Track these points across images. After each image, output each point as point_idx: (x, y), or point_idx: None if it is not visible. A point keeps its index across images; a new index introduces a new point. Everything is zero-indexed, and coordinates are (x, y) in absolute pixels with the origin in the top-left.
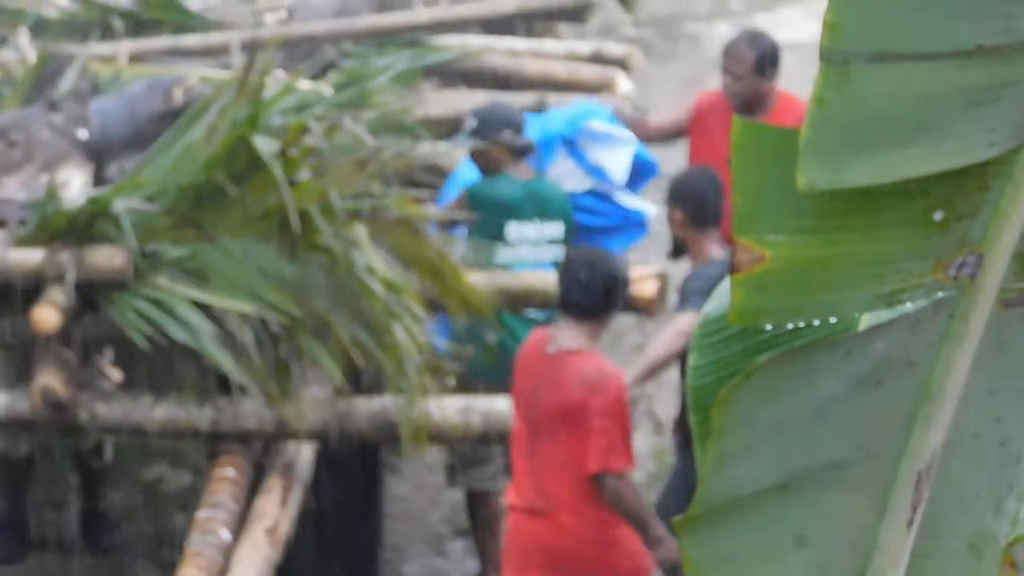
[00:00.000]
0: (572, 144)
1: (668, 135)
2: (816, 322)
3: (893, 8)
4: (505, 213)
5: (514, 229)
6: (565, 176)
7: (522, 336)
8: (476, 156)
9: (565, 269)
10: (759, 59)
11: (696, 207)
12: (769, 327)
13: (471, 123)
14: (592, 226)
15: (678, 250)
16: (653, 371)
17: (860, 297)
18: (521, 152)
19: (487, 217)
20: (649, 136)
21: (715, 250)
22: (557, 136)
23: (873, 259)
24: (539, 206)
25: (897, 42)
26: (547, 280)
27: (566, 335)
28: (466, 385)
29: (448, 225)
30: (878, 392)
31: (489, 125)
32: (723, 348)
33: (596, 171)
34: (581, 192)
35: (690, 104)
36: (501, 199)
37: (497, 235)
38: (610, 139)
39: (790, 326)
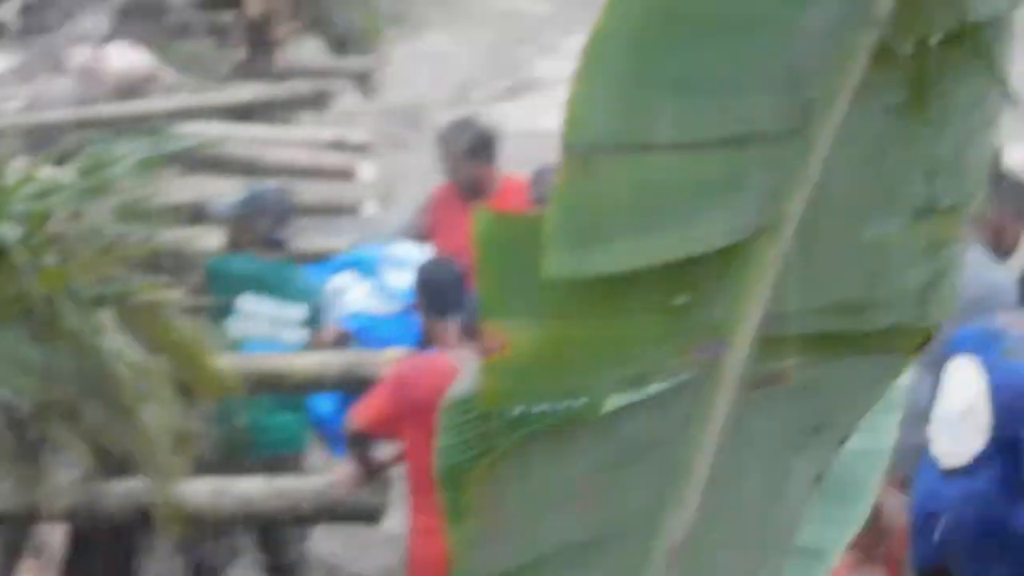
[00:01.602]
0: (367, 264)
1: (412, 238)
2: (564, 404)
3: (633, 99)
4: (237, 287)
5: (247, 303)
6: (347, 290)
7: (269, 421)
8: (231, 239)
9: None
10: (471, 145)
11: (434, 297)
12: (518, 409)
13: (226, 205)
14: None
15: (424, 341)
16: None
17: (606, 379)
18: (272, 245)
19: (221, 292)
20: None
21: (455, 341)
22: (350, 259)
23: (619, 343)
24: (279, 285)
25: (638, 133)
26: (296, 363)
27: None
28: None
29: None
30: (628, 471)
31: (251, 208)
32: (472, 428)
33: (390, 291)
34: (382, 315)
35: (425, 203)
36: (234, 273)
37: (228, 310)
38: (407, 262)
39: (539, 408)
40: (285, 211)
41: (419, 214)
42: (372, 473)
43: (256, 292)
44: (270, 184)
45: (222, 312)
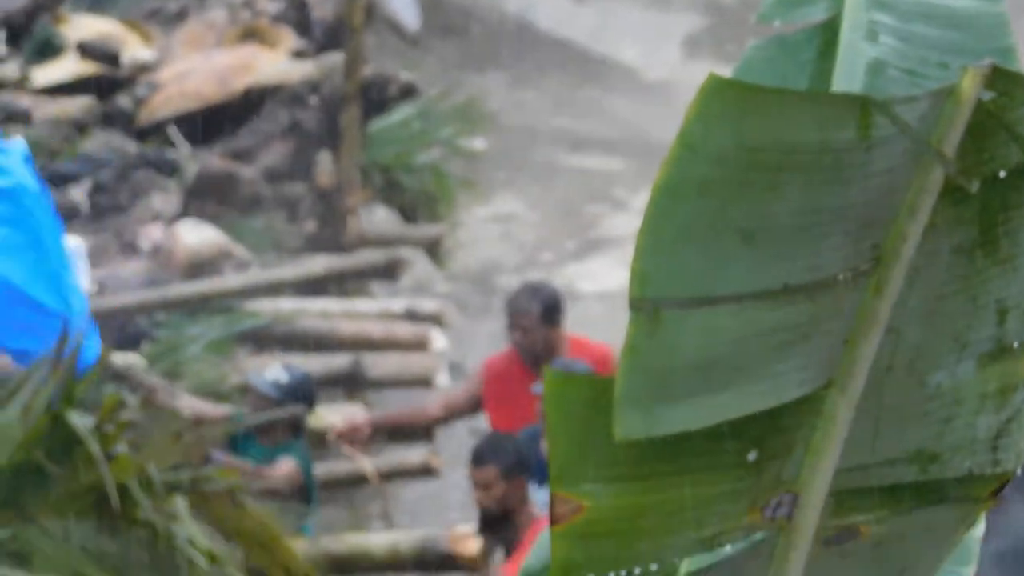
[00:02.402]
0: None
1: (464, 411)
2: (637, 570)
3: (699, 253)
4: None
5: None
6: None
7: None
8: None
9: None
10: (544, 310)
11: (512, 459)
12: None
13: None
14: None
15: (490, 520)
16: None
17: (681, 542)
18: (298, 432)
19: (309, 482)
20: (438, 417)
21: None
22: None
23: (690, 504)
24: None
25: (705, 286)
26: (369, 542)
27: None
28: None
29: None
30: None
31: (295, 389)
32: None
33: None
34: None
35: (478, 374)
36: (310, 465)
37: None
38: None
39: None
40: (313, 398)
41: (471, 386)
42: None
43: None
44: (299, 369)
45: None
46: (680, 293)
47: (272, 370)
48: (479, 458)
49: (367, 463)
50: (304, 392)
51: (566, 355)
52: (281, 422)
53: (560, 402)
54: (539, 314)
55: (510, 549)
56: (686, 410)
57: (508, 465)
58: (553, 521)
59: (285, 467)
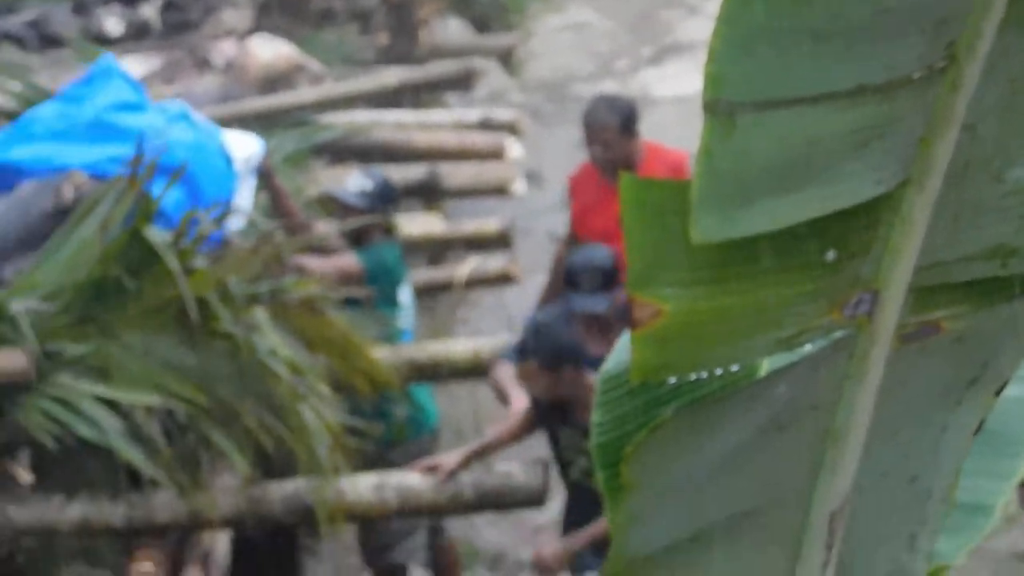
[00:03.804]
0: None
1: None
2: (718, 371)
3: (773, 55)
4: (396, 279)
5: (403, 294)
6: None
7: (430, 407)
8: (355, 230)
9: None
10: (623, 122)
11: (580, 352)
12: (671, 380)
13: (364, 184)
14: None
15: (544, 410)
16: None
17: (759, 344)
18: (392, 228)
19: (386, 285)
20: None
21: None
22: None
23: (769, 305)
24: (404, 270)
25: (779, 88)
26: (452, 349)
27: None
28: (378, 461)
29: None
30: (783, 437)
31: (382, 195)
32: (625, 403)
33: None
34: None
35: (568, 190)
36: (392, 267)
37: (394, 303)
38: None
39: (692, 377)
40: (400, 198)
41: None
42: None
43: (403, 283)
44: (379, 173)
45: (389, 305)
46: (754, 95)
47: (354, 179)
48: (520, 352)
49: (458, 272)
50: (389, 195)
51: (644, 163)
52: (371, 227)
53: (637, 208)
54: (617, 126)
55: (551, 433)
56: (763, 212)
57: (548, 357)
58: (633, 325)
59: (341, 260)
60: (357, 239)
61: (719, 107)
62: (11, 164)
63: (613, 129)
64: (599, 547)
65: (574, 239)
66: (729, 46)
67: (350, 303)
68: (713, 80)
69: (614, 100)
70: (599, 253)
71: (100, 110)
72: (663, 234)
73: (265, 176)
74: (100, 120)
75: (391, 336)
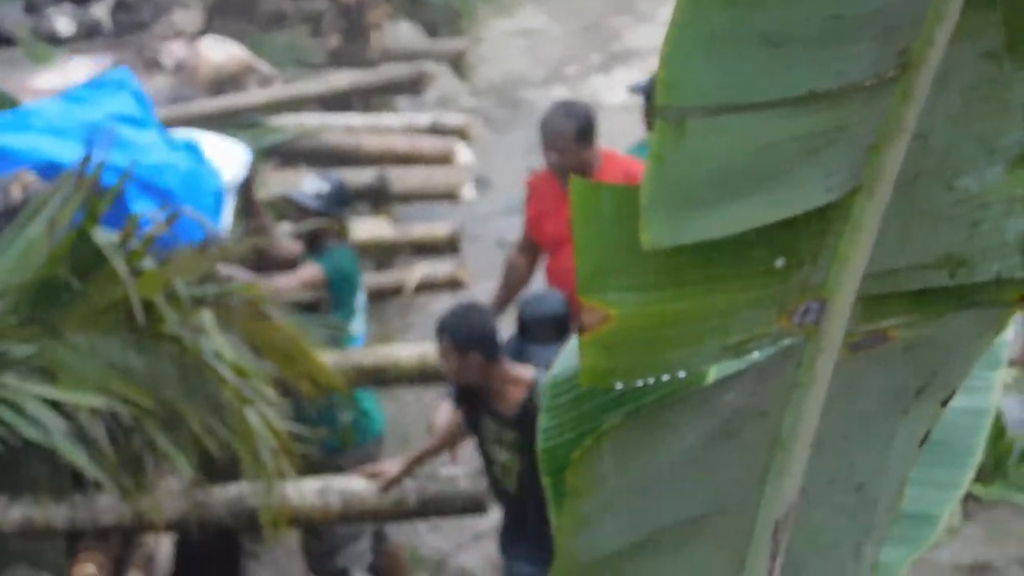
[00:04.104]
0: None
1: (532, 251)
2: (666, 377)
3: (724, 60)
4: (353, 284)
5: (358, 299)
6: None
7: (376, 413)
8: (310, 233)
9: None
10: (579, 129)
11: (492, 340)
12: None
13: (320, 187)
14: None
15: (467, 395)
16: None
17: (708, 350)
18: (345, 230)
19: (340, 292)
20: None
21: (523, 371)
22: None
23: (718, 311)
24: (359, 275)
25: (730, 94)
26: (399, 354)
27: None
28: (325, 467)
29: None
30: (731, 444)
31: (337, 197)
32: (573, 408)
33: None
34: None
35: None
36: (350, 272)
37: (351, 308)
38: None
39: (640, 383)
40: (353, 201)
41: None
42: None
43: (359, 287)
44: (333, 176)
45: (346, 310)
46: (705, 101)
47: (310, 182)
48: (438, 330)
49: (408, 277)
50: (344, 198)
51: (601, 171)
52: (326, 231)
53: (587, 212)
54: (573, 133)
55: (475, 425)
56: (713, 218)
57: (459, 339)
58: (581, 330)
59: (305, 271)
60: (311, 243)
61: (670, 113)
62: (3, 149)
63: (569, 136)
64: (531, 556)
65: (528, 243)
66: (681, 51)
67: (306, 308)
68: (665, 86)
69: (571, 107)
70: (550, 302)
71: (102, 116)
72: (612, 238)
73: (245, 183)
74: (99, 125)
75: (344, 341)
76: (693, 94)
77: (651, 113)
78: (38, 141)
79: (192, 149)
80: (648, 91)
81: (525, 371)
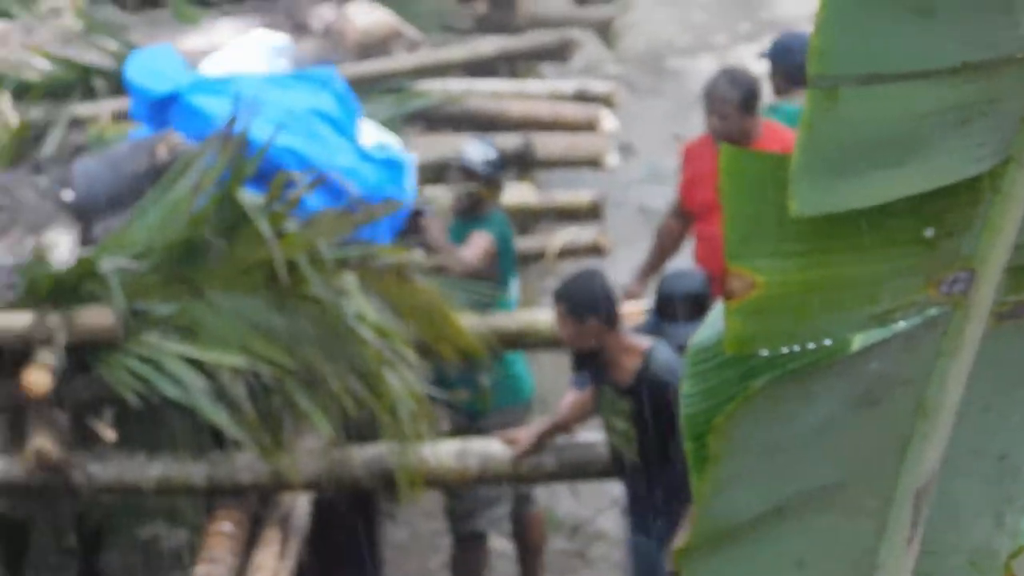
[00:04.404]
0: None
1: (684, 217)
2: (811, 345)
3: (879, 30)
4: (512, 249)
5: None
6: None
7: (526, 376)
8: (473, 196)
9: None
10: (743, 97)
11: (611, 306)
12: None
13: (488, 152)
14: None
15: (588, 362)
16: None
17: (854, 318)
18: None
19: (505, 257)
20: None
21: (639, 340)
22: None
23: (865, 279)
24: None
25: (884, 63)
26: (537, 319)
27: None
28: (467, 430)
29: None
30: (874, 412)
31: (501, 165)
32: (716, 375)
33: None
34: None
35: (681, 159)
36: (510, 236)
37: (512, 272)
38: None
39: (785, 350)
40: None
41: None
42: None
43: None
44: (489, 141)
45: (509, 274)
46: (859, 69)
47: (476, 148)
48: (556, 295)
49: (550, 242)
50: (504, 162)
51: (760, 141)
52: (486, 196)
53: (736, 178)
54: (737, 101)
55: (600, 386)
56: (862, 186)
57: (573, 305)
58: (727, 296)
59: (481, 241)
60: (472, 209)
61: (823, 80)
62: (197, 109)
63: (733, 103)
64: (647, 526)
65: (680, 209)
66: (835, 20)
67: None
68: (817, 53)
69: (737, 74)
70: (689, 279)
71: (302, 107)
72: (761, 206)
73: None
74: (297, 114)
75: (500, 305)
76: (846, 63)
77: (776, 77)
78: (293, 142)
79: (392, 166)
80: (774, 56)
81: (641, 340)
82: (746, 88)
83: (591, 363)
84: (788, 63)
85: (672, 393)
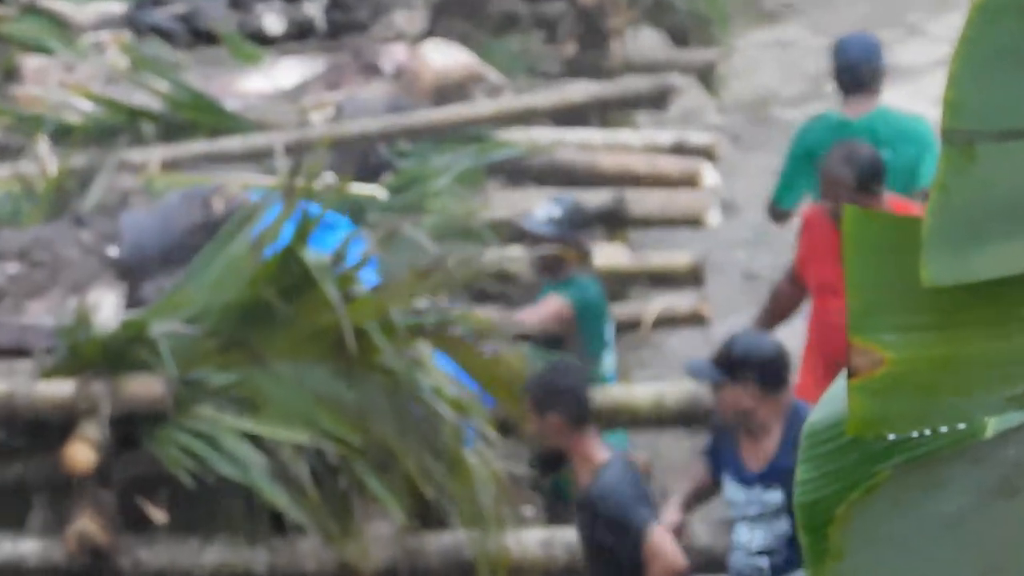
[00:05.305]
0: None
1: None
2: (942, 428)
3: (1020, 80)
4: (602, 315)
5: (608, 332)
6: None
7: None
8: (547, 259)
9: None
10: (859, 177)
11: (576, 405)
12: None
13: (552, 211)
14: None
15: (551, 462)
16: None
17: (990, 399)
18: (588, 257)
19: (589, 324)
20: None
21: (600, 451)
22: None
23: (1004, 358)
24: (606, 304)
25: None
26: (633, 394)
27: None
28: (548, 514)
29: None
30: (1012, 504)
31: (572, 222)
32: (836, 459)
33: None
34: None
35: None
36: (597, 303)
37: (602, 342)
38: None
39: (914, 434)
40: (594, 224)
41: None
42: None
43: (608, 317)
44: (568, 196)
45: (597, 344)
46: (998, 124)
47: (541, 207)
48: (524, 384)
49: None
50: (580, 221)
51: None
52: (566, 258)
53: (861, 243)
54: (852, 182)
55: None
56: (1003, 253)
57: (535, 398)
58: (851, 373)
59: (550, 304)
60: (550, 271)
61: (957, 136)
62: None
63: (847, 184)
64: None
65: (797, 276)
66: (971, 70)
67: (551, 344)
68: (952, 107)
69: (853, 150)
70: (764, 342)
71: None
72: (888, 274)
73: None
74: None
75: (597, 379)
76: (983, 117)
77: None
78: None
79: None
80: (831, 57)
81: (601, 452)
82: (862, 166)
83: (555, 464)
84: (837, 64)
85: (609, 524)
